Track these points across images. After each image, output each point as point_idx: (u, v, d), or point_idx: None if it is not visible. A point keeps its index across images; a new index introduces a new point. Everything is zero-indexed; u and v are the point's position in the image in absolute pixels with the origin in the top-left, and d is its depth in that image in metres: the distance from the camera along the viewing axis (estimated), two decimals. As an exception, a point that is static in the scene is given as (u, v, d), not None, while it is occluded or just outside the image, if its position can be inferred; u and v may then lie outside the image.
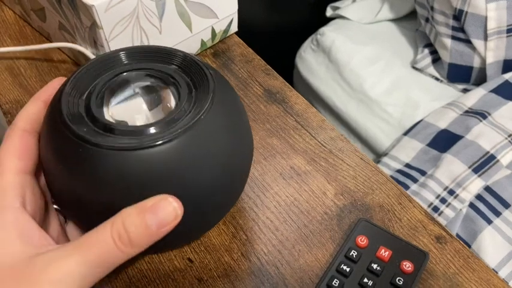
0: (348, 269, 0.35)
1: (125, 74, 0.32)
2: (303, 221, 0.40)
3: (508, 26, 0.76)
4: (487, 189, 0.70)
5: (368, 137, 0.87)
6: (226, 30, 0.53)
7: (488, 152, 0.70)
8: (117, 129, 0.28)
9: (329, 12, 1.04)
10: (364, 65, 0.90)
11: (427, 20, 0.88)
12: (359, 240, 0.37)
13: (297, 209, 0.41)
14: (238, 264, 0.37)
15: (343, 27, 0.96)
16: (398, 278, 0.34)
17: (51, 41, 0.54)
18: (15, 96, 0.51)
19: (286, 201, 0.41)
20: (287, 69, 1.04)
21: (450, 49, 0.82)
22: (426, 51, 0.88)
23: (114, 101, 0.31)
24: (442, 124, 0.77)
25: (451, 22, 0.81)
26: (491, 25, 0.77)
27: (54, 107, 0.30)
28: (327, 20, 1.02)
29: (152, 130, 0.29)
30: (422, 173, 0.73)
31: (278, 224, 0.40)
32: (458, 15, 0.79)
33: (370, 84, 0.88)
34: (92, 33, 0.42)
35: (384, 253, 0.36)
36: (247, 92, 0.51)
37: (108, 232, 0.24)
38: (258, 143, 0.46)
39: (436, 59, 0.87)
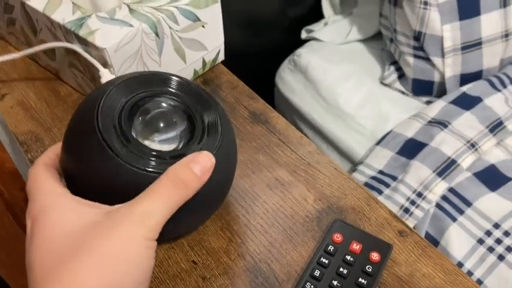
0: (326, 261, 0.42)
1: (163, 106, 0.39)
2: (288, 224, 0.47)
3: (462, 44, 0.86)
4: (451, 190, 0.78)
5: (344, 148, 0.95)
6: (214, 60, 0.61)
7: (449, 157, 0.79)
8: (157, 155, 0.35)
9: (304, 34, 1.13)
10: (338, 82, 0.98)
11: (391, 40, 0.97)
12: (335, 237, 0.44)
13: (282, 214, 0.48)
14: (236, 263, 0.44)
15: (317, 49, 1.05)
16: (368, 266, 0.42)
17: (59, 77, 0.61)
18: (29, 128, 0.57)
19: (273, 208, 0.48)
20: (269, 89, 1.12)
21: (413, 66, 0.91)
22: (392, 68, 0.97)
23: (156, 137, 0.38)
24: (409, 133, 0.85)
25: (412, 42, 0.90)
26: (447, 44, 0.86)
27: (94, 132, 0.35)
28: (302, 42, 1.11)
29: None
30: (394, 178, 0.81)
31: (267, 227, 0.47)
32: (418, 36, 0.88)
33: (344, 100, 0.97)
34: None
35: (356, 246, 0.43)
36: (234, 115, 0.58)
37: (168, 183, 0.30)
38: (246, 159, 0.53)
39: (401, 75, 0.96)
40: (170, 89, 0.40)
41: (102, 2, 0.53)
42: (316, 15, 1.15)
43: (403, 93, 0.96)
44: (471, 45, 0.86)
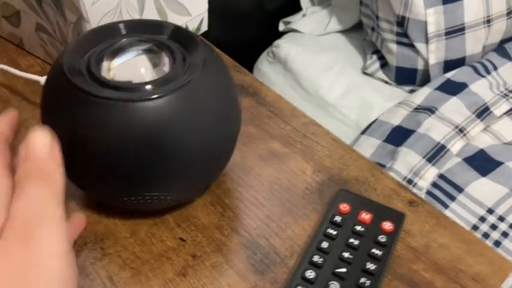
0: (334, 232, 0.37)
1: (124, 40, 0.35)
2: (286, 196, 0.42)
3: (445, 29, 0.84)
4: (441, 176, 0.75)
5: (328, 139, 0.91)
6: (198, 28, 0.56)
7: (439, 143, 0.76)
8: (115, 85, 0.32)
9: (281, 27, 1.09)
10: (319, 72, 0.95)
11: (372, 29, 0.95)
12: (341, 207, 0.39)
13: (278, 187, 0.43)
14: (230, 239, 0.38)
15: (296, 39, 1.02)
16: (380, 236, 0.37)
17: (23, 47, 0.54)
18: (-16, 100, 0.50)
19: (267, 180, 0.43)
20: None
21: (396, 53, 0.89)
22: (374, 57, 0.94)
23: (116, 62, 0.33)
24: (395, 121, 0.82)
25: (395, 28, 0.88)
26: (431, 29, 0.84)
27: (56, 64, 0.33)
28: (279, 35, 1.07)
29: (148, 87, 0.32)
30: (382, 166, 0.77)
31: (263, 200, 0.42)
32: (401, 22, 0.86)
33: (325, 90, 0.93)
34: (77, 28, 0.43)
35: (365, 216, 0.38)
36: (220, 86, 0.53)
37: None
38: (235, 130, 0.48)
39: (383, 64, 0.94)
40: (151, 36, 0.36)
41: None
42: (293, 7, 1.12)
43: (386, 82, 0.93)
44: (455, 31, 0.85)
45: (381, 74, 0.93)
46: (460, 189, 0.73)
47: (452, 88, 0.83)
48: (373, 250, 0.36)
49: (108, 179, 0.33)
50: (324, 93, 0.93)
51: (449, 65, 0.87)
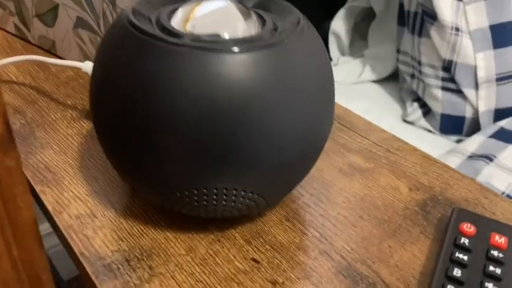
0: (464, 258, 0.28)
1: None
2: (383, 216, 0.33)
3: (496, 74, 0.79)
4: (509, 231, 0.65)
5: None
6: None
7: (503, 193, 0.67)
8: (189, 36, 0.25)
9: (311, 75, 1.05)
10: (356, 119, 0.88)
11: (412, 76, 0.90)
12: (464, 227, 0.30)
13: (371, 205, 0.33)
14: (320, 264, 0.28)
15: (328, 87, 0.96)
16: (528, 265, 0.27)
17: (55, 52, 0.48)
18: (5, 100, 0.42)
19: (355, 196, 0.34)
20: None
21: (442, 100, 0.83)
22: (416, 105, 0.88)
23: (197, 11, 0.26)
24: (448, 169, 0.74)
25: (441, 73, 0.82)
26: (481, 74, 0.79)
27: (121, 14, 0.27)
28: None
29: (231, 42, 0.25)
30: (439, 217, 0.68)
31: (353, 219, 0.32)
32: (448, 66, 0.81)
33: (363, 137, 0.86)
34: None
35: (499, 239, 0.29)
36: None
37: None
38: (306, 141, 0.39)
39: (426, 112, 0.87)
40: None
41: None
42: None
43: (429, 131, 0.86)
44: (506, 77, 0.79)
45: (423, 122, 0.87)
46: (533, 246, 0.63)
47: (508, 136, 0.76)
48: (525, 282, 0.26)
49: (169, 155, 0.24)
50: (362, 141, 0.85)
51: (500, 113, 0.81)
